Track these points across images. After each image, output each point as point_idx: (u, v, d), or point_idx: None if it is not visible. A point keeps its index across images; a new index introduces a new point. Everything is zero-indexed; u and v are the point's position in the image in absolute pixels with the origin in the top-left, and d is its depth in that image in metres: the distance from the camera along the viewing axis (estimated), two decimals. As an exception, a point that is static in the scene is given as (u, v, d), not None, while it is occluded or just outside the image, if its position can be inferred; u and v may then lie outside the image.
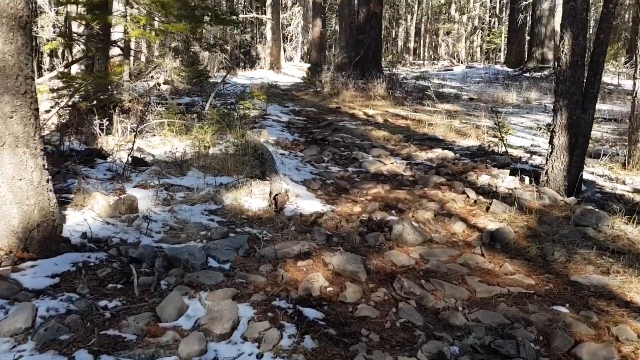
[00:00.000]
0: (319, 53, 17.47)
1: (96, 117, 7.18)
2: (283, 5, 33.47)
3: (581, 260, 4.11)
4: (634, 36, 28.07)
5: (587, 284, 3.76)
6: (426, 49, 39.33)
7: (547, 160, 5.71)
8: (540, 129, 9.54)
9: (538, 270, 3.99)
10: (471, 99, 14.63)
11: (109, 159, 6.15)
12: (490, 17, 36.26)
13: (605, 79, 19.11)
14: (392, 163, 7.05)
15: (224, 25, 12.27)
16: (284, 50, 30.68)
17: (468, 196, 5.60)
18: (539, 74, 21.62)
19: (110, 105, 8.69)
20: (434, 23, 37.53)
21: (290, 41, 31.67)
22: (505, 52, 29.73)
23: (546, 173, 5.67)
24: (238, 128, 7.78)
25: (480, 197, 5.51)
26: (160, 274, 3.52)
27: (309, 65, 22.35)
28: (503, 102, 13.97)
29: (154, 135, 7.82)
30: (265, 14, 30.10)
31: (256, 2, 38.41)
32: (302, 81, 17.05)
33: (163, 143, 7.47)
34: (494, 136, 8.29)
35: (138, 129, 7.71)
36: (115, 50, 13.39)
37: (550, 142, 5.67)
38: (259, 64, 31.68)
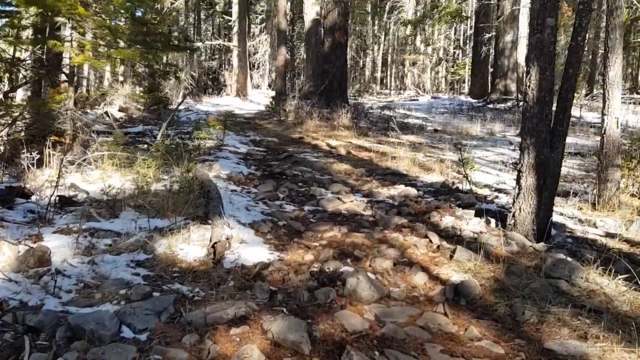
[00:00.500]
0: (284, 81, 17.05)
1: (25, 150, 6.47)
2: (250, 34, 33.18)
3: (555, 322, 3.60)
4: (593, 69, 28.65)
5: (564, 353, 3.24)
6: (393, 79, 39.50)
7: (514, 201, 5.26)
8: (505, 164, 9.18)
9: (507, 335, 3.46)
10: (436, 131, 14.33)
11: (33, 198, 5.46)
12: (454, 49, 36.66)
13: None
14: (351, 201, 6.52)
15: (178, 52, 11.67)
16: (251, 78, 30.28)
17: (431, 241, 5.09)
18: (502, 105, 21.64)
19: (49, 135, 8.01)
20: (400, 54, 37.76)
21: (257, 69, 31.30)
22: (470, 83, 29.92)
23: (513, 216, 5.22)
24: (186, 161, 7.17)
25: (444, 243, 5.00)
26: (59, 349, 2.88)
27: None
28: (467, 134, 13.70)
29: (94, 169, 7.14)
30: (232, 41, 29.73)
31: (224, 29, 38.09)
32: (266, 109, 16.55)
33: (102, 178, 6.79)
34: (459, 172, 7.88)
35: (76, 163, 7.05)
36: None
37: (517, 182, 5.23)
38: (225, 91, 31.18)
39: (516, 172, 5.34)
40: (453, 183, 7.10)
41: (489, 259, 4.63)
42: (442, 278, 4.31)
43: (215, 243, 4.28)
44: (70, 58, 8.38)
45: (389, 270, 4.40)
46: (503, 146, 11.70)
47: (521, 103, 20.72)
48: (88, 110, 10.04)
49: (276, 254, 4.63)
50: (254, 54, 31.63)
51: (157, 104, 15.77)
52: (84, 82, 14.09)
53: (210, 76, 41.20)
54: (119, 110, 14.42)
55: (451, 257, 4.70)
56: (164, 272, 4.04)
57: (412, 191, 6.94)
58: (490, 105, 21.63)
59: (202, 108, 21.16)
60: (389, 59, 41.68)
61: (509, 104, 21.52)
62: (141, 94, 16.15)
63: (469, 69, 33.52)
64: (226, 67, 33.73)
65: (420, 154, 9.87)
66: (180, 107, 20.89)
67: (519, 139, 13.91)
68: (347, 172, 8.33)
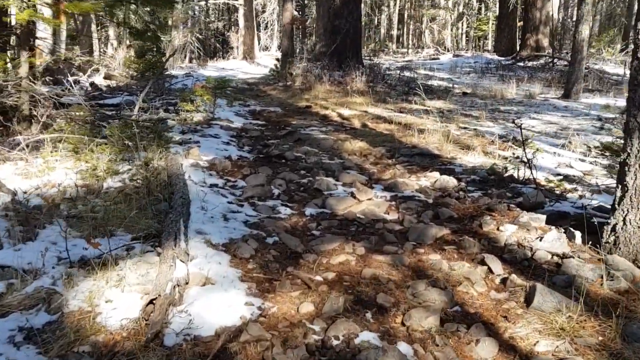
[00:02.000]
0: (291, 41, 15.17)
1: None
2: (256, -10, 31.02)
3: None
4: (630, 21, 26.11)
5: None
6: (410, 37, 37.12)
7: (614, 208, 3.53)
8: (559, 137, 7.37)
9: None
10: (465, 94, 12.45)
11: None
12: (477, 2, 34.06)
13: (607, 68, 17.09)
14: (369, 198, 4.83)
15: (155, 6, 9.88)
16: (259, 39, 28.31)
17: (491, 270, 3.42)
18: (534, 63, 19.54)
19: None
20: (418, 9, 35.28)
21: (265, 29, 29.24)
22: (494, 39, 27.61)
23: (613, 230, 3.50)
24: (155, 146, 5.51)
25: (513, 276, 3.32)
26: None
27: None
28: (502, 97, 11.81)
29: (38, 157, 5.52)
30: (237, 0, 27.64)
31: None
32: (271, 74, 14.74)
33: (47, 170, 5.18)
34: (513, 154, 6.13)
35: (20, 147, 5.47)
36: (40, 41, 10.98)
37: (620, 180, 3.49)
38: (231, 54, 29.28)
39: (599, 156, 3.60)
40: (505, 169, 5.35)
41: (588, 307, 2.95)
42: (522, 349, 2.65)
43: (153, 301, 2.65)
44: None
45: (434, 333, 2.76)
46: (549, 112, 9.83)
47: (557, 60, 18.63)
48: (71, 79, 8.33)
49: (257, 302, 2.99)
50: (262, 12, 29.55)
51: (149, 70, 14.03)
52: (62, 46, 12.36)
53: (219, 39, 39.16)
54: (105, 78, 12.74)
55: (527, 302, 3.03)
56: (64, 353, 2.43)
57: (451, 181, 5.22)
58: (521, 63, 19.53)
59: (204, 73, 19.36)
60: (406, 15, 39.16)
61: (542, 61, 19.40)
62: (132, 59, 14.40)
63: (493, 23, 31.07)
64: (233, 28, 31.68)
65: (452, 126, 8.09)
66: (178, 73, 19.16)
67: (564, 103, 12.04)
68: (362, 153, 6.62)
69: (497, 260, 3.50)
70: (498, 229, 4.08)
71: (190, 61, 30.12)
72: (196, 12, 32.06)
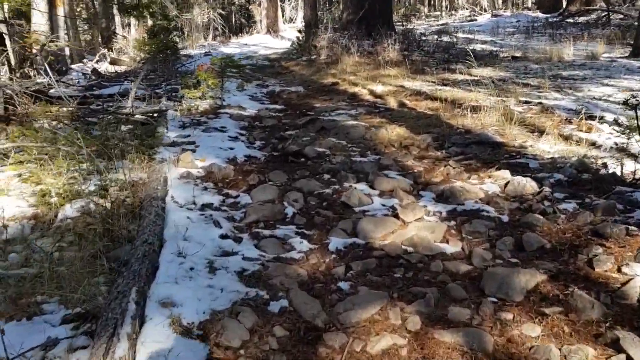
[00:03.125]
0: (314, 11, 13.65)
1: None
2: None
3: None
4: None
5: None
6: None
7: None
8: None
9: None
10: (515, 58, 10.76)
11: None
12: (515, -45, 31.40)
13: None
14: (417, 219, 3.44)
15: None
16: (283, 11, 26.73)
17: (635, 363, 2.03)
18: (584, 18, 17.46)
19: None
20: (450, -32, 32.86)
21: (289, 0, 27.56)
22: (536, -5, 25.31)
23: None
24: (133, 153, 4.22)
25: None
26: None
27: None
28: (559, 59, 10.09)
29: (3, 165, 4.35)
30: (258, -30, 25.98)
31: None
32: (293, 47, 13.27)
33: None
34: (600, 138, 4.62)
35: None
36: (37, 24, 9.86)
37: None
38: (255, 29, 27.80)
39: None
40: (605, 165, 3.88)
41: None
42: None
43: None
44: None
45: None
46: (624, 76, 8.13)
47: (612, 15, 16.52)
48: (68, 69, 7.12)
49: None
50: (285, -17, 27.82)
51: (161, 51, 12.77)
52: (61, 32, 11.16)
53: (244, 13, 37.60)
54: (111, 64, 11.55)
55: None
56: None
57: (528, 184, 3.76)
58: (570, 20, 17.47)
59: (225, 50, 18.05)
60: (437, -24, 36.70)
61: (594, 15, 17.31)
62: (143, 40, 13.16)
63: (533, -22, 28.60)
64: (256, 1, 30.06)
65: (510, 100, 6.55)
66: (198, 52, 17.86)
67: (637, 63, 10.18)
68: (402, 143, 5.20)
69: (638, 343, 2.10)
70: (619, 269, 2.66)
71: (214, 38, 28.77)
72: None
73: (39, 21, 9.80)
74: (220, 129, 5.91)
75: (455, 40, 13.74)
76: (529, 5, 29.26)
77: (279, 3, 25.04)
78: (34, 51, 10.63)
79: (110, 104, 6.94)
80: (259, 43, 20.92)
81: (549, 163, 4.28)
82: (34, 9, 9.33)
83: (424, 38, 13.87)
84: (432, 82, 8.47)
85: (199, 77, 6.84)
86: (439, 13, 30.75)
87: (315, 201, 3.82)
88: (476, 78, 8.32)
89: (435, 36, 14.28)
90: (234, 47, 20.21)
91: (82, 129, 5.53)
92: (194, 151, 4.81)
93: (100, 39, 17.65)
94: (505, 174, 4.06)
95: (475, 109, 6.08)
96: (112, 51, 15.32)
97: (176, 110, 6.78)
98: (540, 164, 4.28)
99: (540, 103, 6.30)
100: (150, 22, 27.52)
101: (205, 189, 4.00)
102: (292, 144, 5.23)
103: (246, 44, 20.95)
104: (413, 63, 10.34)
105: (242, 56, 15.61)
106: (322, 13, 32.93)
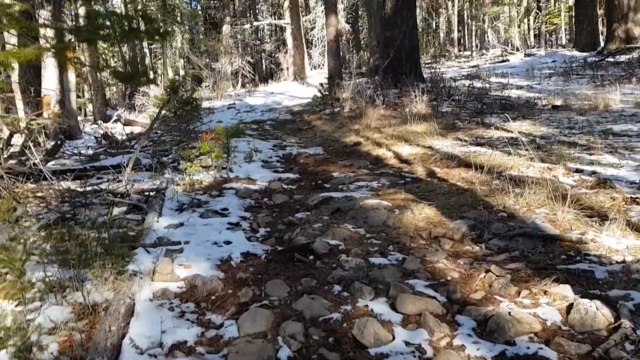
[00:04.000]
0: (337, 60, 13.01)
1: None
2: (304, 6, 29.22)
3: None
4: None
5: None
6: (472, 38, 34.14)
7: None
8: None
9: None
10: (555, 107, 9.79)
11: None
12: (546, -7, 30.65)
13: None
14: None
15: (138, 39, 8.03)
16: (310, 57, 26.41)
17: None
18: (626, 57, 16.36)
19: None
20: (479, 8, 32.24)
21: (315, 46, 27.28)
22: (573, 32, 24.33)
23: None
24: (103, 261, 3.44)
25: None
26: None
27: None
28: (606, 108, 9.08)
29: None
30: (284, 18, 25.89)
31: (280, 7, 34.30)
32: (315, 100, 12.61)
33: None
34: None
35: None
36: (47, 86, 9.43)
37: None
38: (282, 76, 27.56)
39: None
40: None
41: None
42: None
43: None
44: None
45: None
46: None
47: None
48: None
49: None
50: (311, 29, 27.65)
51: (181, 108, 12.28)
52: (72, 95, 10.75)
53: (271, 60, 37.66)
54: (125, 125, 11.06)
55: None
56: None
57: (599, 313, 2.79)
58: (610, 59, 16.41)
59: (250, 101, 17.62)
60: (466, 16, 36.19)
61: (636, 54, 16.22)
62: (162, 97, 12.73)
63: (566, 15, 27.70)
64: (282, 48, 29.97)
65: (558, 168, 5.59)
66: (222, 104, 17.43)
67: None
68: (431, 234, 4.29)
69: None
70: None
71: (243, 86, 28.68)
72: (245, 36, 30.68)
73: (50, 85, 9.40)
74: (221, 211, 5.14)
75: (488, 85, 12.86)
76: (564, 42, 28.27)
77: (305, 50, 24.74)
78: (52, 114, 10.25)
79: (107, 178, 6.27)
80: (285, 91, 20.48)
81: (620, 271, 3.30)
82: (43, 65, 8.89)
83: (454, 84, 13.04)
84: (465, 140, 7.59)
85: (202, 149, 6.13)
86: (469, 53, 30.01)
87: (319, 335, 2.94)
88: (514, 135, 7.41)
89: (467, 82, 13.44)
90: (260, 96, 19.79)
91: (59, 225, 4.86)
92: (181, 251, 4.01)
93: (126, 93, 17.43)
94: (566, 290, 3.11)
95: (517, 182, 5.16)
96: (134, 108, 15.00)
97: (178, 184, 6.07)
98: (609, 272, 3.31)
99: (594, 172, 5.32)
100: (170, 75, 27.53)
101: (182, 314, 3.17)
102: (301, 234, 4.39)
103: (272, 93, 20.53)
104: (443, 116, 9.50)
105: (265, 108, 15.09)
106: (351, 56, 32.63)
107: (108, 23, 5.08)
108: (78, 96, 16.94)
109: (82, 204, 5.47)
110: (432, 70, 17.02)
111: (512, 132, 7.80)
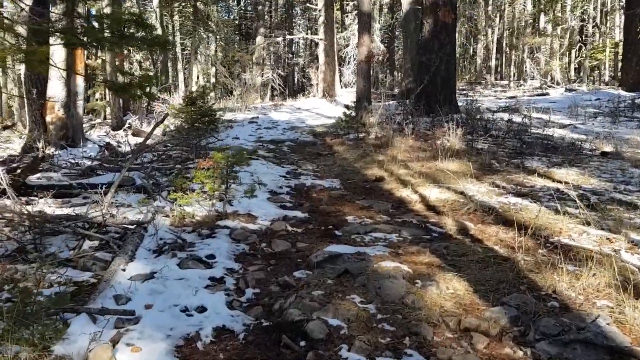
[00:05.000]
0: (367, 82, 12.10)
1: None
2: (340, 23, 28.51)
3: None
4: None
5: None
6: (511, 68, 32.96)
7: None
8: None
9: None
10: (605, 154, 8.69)
11: None
12: (592, 27, 29.34)
13: None
14: None
15: (137, 47, 7.24)
16: (341, 75, 25.60)
17: None
18: (680, 99, 15.10)
19: None
20: (520, 37, 31.07)
21: (348, 64, 26.47)
22: (614, 69, 23.04)
23: None
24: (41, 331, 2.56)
25: None
26: None
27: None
28: (665, 160, 7.97)
29: None
30: (318, 34, 25.19)
31: (311, 21, 33.74)
32: (339, 123, 11.69)
33: None
34: None
35: None
36: (53, 89, 8.73)
37: None
38: (311, 91, 26.84)
39: None
40: None
41: None
42: None
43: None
44: None
45: None
46: None
47: None
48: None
49: None
50: (345, 47, 26.87)
51: (198, 120, 11.53)
52: (80, 98, 10.05)
53: (301, 74, 37.06)
54: (133, 135, 10.32)
55: None
56: None
57: None
58: (662, 101, 15.15)
59: (274, 116, 16.83)
60: (505, 44, 35.00)
61: (691, 97, 14.94)
62: (180, 107, 12.00)
63: (611, 51, 26.37)
64: (314, 64, 29.27)
65: (619, 239, 4.55)
66: (244, 117, 16.66)
67: None
68: (461, 324, 3.30)
69: None
70: None
71: (272, 98, 28.04)
72: (279, 49, 30.13)
73: (55, 85, 8.70)
74: (205, 259, 4.24)
75: (528, 121, 11.79)
76: (606, 79, 26.90)
77: (337, 67, 23.96)
78: (56, 118, 9.57)
79: (93, 199, 5.44)
80: (312, 108, 19.69)
81: None
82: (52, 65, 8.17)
83: (491, 117, 12.00)
84: (503, 187, 6.57)
85: (196, 179, 5.25)
86: (506, 83, 28.85)
87: None
88: (561, 186, 6.38)
89: (504, 115, 12.38)
90: (286, 111, 19.02)
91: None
92: (136, 321, 3.11)
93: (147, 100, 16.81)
94: None
95: (569, 253, 4.14)
96: (152, 114, 14.32)
97: (167, 216, 5.20)
98: None
99: (668, 251, 4.27)
100: (201, 82, 26.96)
101: None
102: (295, 305, 3.45)
103: (299, 109, 19.75)
104: (478, 154, 8.49)
105: (288, 126, 14.27)
106: (384, 76, 31.73)
107: (97, 25, 4.27)
108: (98, 99, 16.40)
109: (50, 231, 4.65)
110: (467, 98, 15.97)
111: (558, 181, 6.77)
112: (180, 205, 5.10)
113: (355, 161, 8.67)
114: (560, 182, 6.77)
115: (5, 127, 6.54)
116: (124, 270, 3.82)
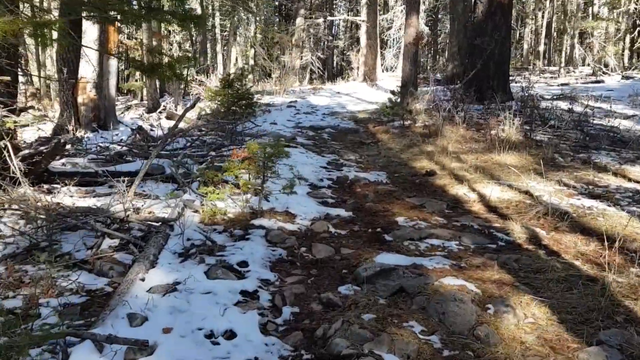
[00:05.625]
0: (413, 66, 11.29)
1: None
2: (382, 4, 27.47)
3: None
4: None
5: None
6: (561, 53, 31.32)
7: None
8: None
9: None
10: (683, 150, 7.73)
11: None
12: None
13: None
14: None
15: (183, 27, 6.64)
16: (383, 58, 24.70)
17: None
18: None
19: None
20: (572, 20, 29.38)
21: (390, 47, 25.51)
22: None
23: None
24: None
25: None
26: None
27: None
28: None
29: None
30: (360, 15, 24.30)
31: (352, 2, 32.76)
32: (383, 109, 10.94)
33: None
34: None
35: None
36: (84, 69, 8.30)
37: None
38: (351, 75, 26.01)
39: None
40: None
41: None
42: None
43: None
44: None
45: None
46: None
47: None
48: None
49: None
50: (387, 29, 25.87)
51: (235, 103, 10.98)
52: (112, 79, 9.59)
53: (342, 57, 36.13)
54: (167, 118, 9.83)
55: None
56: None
57: None
58: None
59: (313, 101, 16.16)
60: (554, 28, 33.24)
61: None
62: (216, 89, 11.47)
63: (673, 37, 24.58)
64: (355, 47, 28.36)
65: None
66: (282, 100, 16.04)
67: None
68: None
69: None
70: None
71: (311, 82, 27.36)
72: (319, 31, 29.33)
73: (88, 66, 8.25)
74: (237, 267, 3.66)
75: (587, 111, 10.79)
76: (665, 66, 25.09)
77: (379, 50, 23.05)
78: (87, 99, 9.16)
79: (119, 188, 4.94)
80: (353, 92, 18.92)
81: None
82: (84, 46, 7.73)
83: (546, 105, 11.05)
84: (573, 187, 5.78)
85: (229, 171, 4.66)
86: (555, 69, 27.36)
87: None
88: (637, 184, 5.57)
89: (561, 104, 11.40)
90: (325, 95, 18.31)
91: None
92: (151, 352, 2.55)
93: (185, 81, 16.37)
94: None
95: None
96: (189, 96, 13.86)
97: (197, 211, 4.65)
98: None
99: None
100: (240, 64, 26.42)
101: None
102: (341, 334, 2.84)
103: (338, 93, 19.01)
104: (538, 146, 7.66)
105: (328, 111, 13.60)
106: (426, 61, 30.62)
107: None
108: (137, 79, 16.08)
109: (67, 226, 4.15)
110: (517, 85, 14.92)
111: (635, 181, 5.94)
112: (211, 201, 4.54)
113: (402, 151, 7.96)
114: (638, 181, 5.95)
115: (22, 110, 6.10)
116: (142, 280, 3.28)
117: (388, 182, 6.28)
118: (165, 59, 4.48)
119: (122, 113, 13.92)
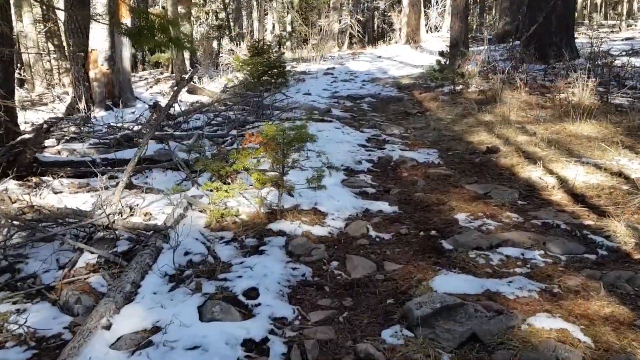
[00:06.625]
0: (464, 24, 9.89)
1: None
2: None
3: None
4: None
5: None
6: (617, 5, 28.62)
7: None
8: None
9: None
10: None
11: None
12: None
13: None
14: None
15: None
16: (427, 18, 22.99)
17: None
18: None
19: None
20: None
21: (434, 6, 23.70)
22: None
23: None
24: None
25: None
26: None
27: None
28: None
29: None
30: (401, -29, 22.48)
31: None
32: (430, 74, 9.62)
33: None
34: None
35: None
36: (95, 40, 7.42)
37: None
38: (393, 38, 24.40)
39: None
40: None
41: None
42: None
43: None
44: None
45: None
46: None
47: None
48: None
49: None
50: (432, -14, 23.99)
51: (265, 73, 9.94)
52: (126, 50, 8.65)
53: (382, 19, 34.24)
54: (189, 93, 8.87)
55: None
56: None
57: None
58: None
59: (352, 67, 14.89)
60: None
61: None
62: (245, 58, 10.45)
63: None
64: (396, 7, 26.58)
65: None
66: (319, 67, 14.83)
67: None
68: None
69: None
70: None
71: (351, 46, 25.93)
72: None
73: (99, 36, 7.34)
74: (242, 299, 2.67)
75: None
76: None
77: (422, 9, 21.34)
78: (100, 73, 8.31)
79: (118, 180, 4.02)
80: (395, 56, 17.50)
81: None
82: (94, 19, 6.81)
83: (616, 61, 9.47)
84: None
85: (236, 165, 3.64)
86: (613, 22, 24.93)
87: None
88: None
89: (634, 61, 9.78)
90: (365, 60, 16.98)
91: None
92: None
93: (212, 51, 15.36)
94: None
95: None
96: (217, 67, 12.88)
97: (203, 211, 3.68)
98: None
99: None
100: (277, 31, 25.21)
101: None
102: None
103: (380, 57, 17.62)
104: (620, 112, 6.31)
105: (368, 77, 12.35)
106: (472, 19, 28.48)
107: None
108: (162, 51, 15.20)
109: (32, 239, 3.27)
110: (578, 42, 13.18)
111: None
112: (219, 199, 3.55)
113: (455, 122, 6.75)
114: None
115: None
116: (107, 327, 2.33)
117: (441, 162, 5.13)
118: (157, 21, 3.45)
119: (151, 87, 13.10)
